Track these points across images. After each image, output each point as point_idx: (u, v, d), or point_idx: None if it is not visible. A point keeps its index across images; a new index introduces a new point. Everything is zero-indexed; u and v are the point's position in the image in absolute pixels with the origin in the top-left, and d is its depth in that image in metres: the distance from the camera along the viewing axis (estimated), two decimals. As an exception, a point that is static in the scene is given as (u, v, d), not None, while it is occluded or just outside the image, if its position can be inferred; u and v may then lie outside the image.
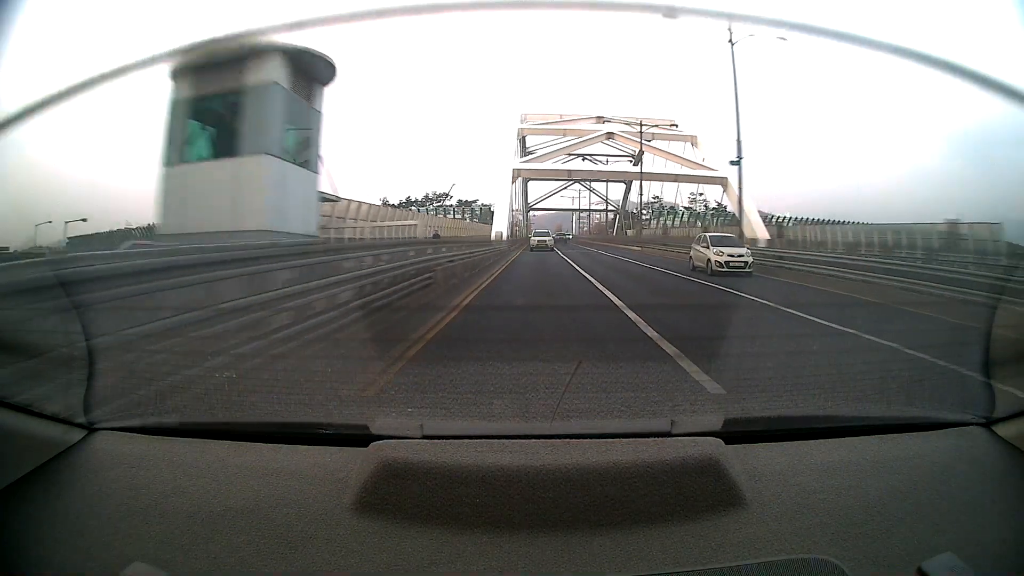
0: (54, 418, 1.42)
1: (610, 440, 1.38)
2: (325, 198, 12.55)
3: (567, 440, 1.39)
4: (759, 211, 23.93)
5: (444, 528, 1.16)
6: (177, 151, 9.91)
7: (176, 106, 9.81)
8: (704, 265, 16.28)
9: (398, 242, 11.29)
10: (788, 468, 1.37)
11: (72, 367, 1.67)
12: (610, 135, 25.89)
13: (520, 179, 25.60)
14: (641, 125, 24.64)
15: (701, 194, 25.70)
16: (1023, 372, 1.90)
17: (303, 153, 11.11)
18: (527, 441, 1.38)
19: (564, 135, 25.22)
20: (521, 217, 27.20)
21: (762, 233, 23.81)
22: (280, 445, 1.46)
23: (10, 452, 1.29)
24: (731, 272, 15.49)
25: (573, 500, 1.20)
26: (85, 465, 1.37)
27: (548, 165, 25.52)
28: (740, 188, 22.92)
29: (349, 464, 1.32)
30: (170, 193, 10.00)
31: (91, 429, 1.48)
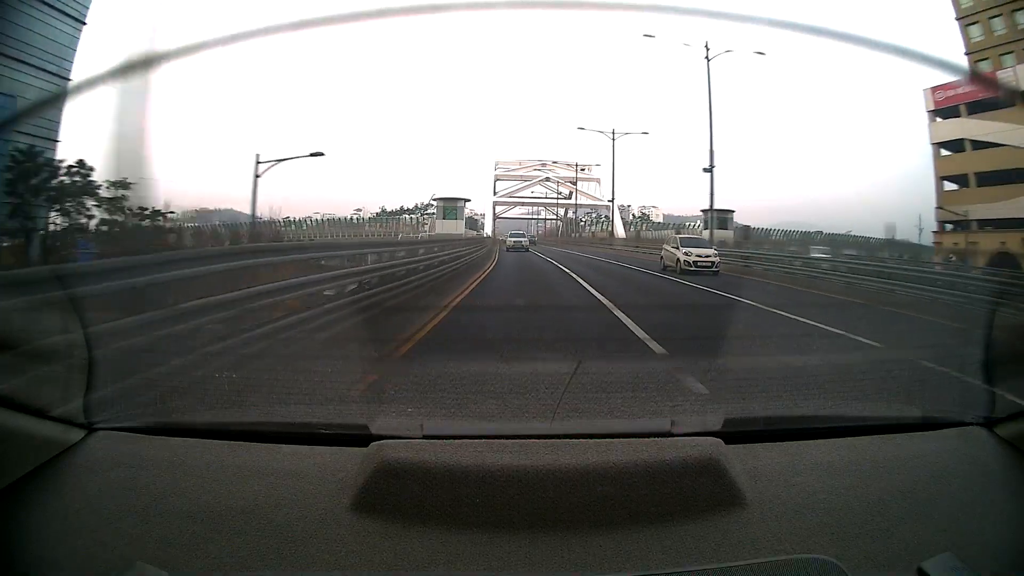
0: (54, 418, 1.41)
1: (610, 440, 1.38)
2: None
3: (567, 440, 1.39)
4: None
5: (444, 528, 1.16)
6: (441, 216, 31.18)
7: (438, 208, 31.96)
8: (674, 264, 17.63)
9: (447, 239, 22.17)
10: (788, 468, 1.37)
11: (72, 367, 1.67)
12: (547, 179, 43.79)
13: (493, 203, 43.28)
14: (559, 184, 43.29)
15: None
16: (1022, 372, 1.90)
17: (463, 214, 31.55)
18: (527, 441, 1.38)
19: (520, 179, 43.89)
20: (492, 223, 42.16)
21: (620, 234, 39.13)
22: (280, 445, 1.46)
23: (10, 452, 1.29)
24: (698, 271, 16.65)
25: (573, 500, 1.20)
26: (85, 465, 1.37)
27: (509, 199, 44.72)
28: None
29: (349, 464, 1.32)
30: (437, 226, 30.72)
31: (91, 429, 1.48)
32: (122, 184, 16.43)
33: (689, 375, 3.88)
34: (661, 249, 19.61)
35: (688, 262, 17.11)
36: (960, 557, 1.09)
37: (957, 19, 26.99)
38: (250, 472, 1.34)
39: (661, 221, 41.39)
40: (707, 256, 17.38)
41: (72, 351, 1.72)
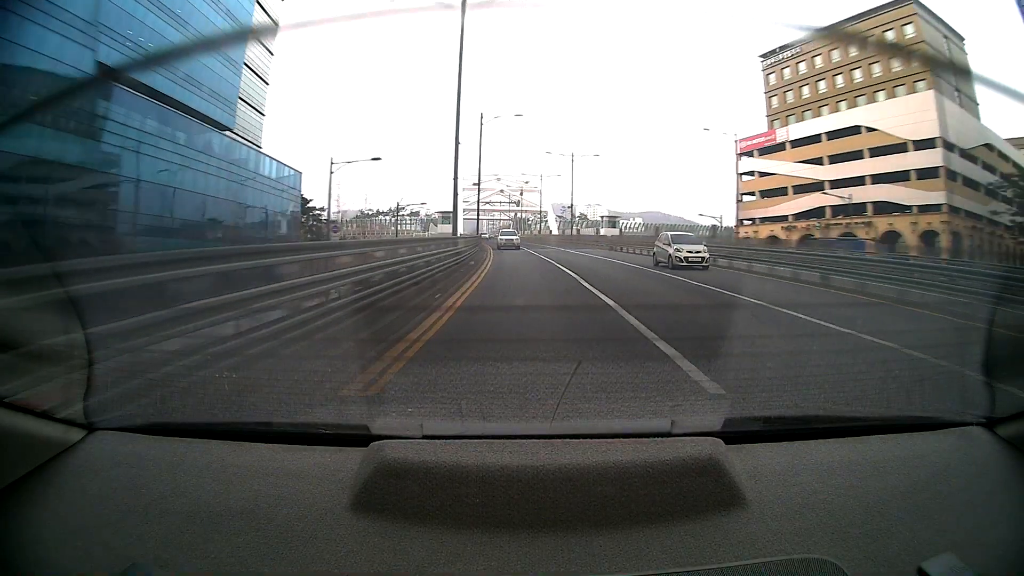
0: (54, 418, 1.42)
1: (610, 440, 1.38)
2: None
3: (567, 440, 1.39)
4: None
5: (444, 528, 1.16)
6: (440, 221, 38.68)
7: (439, 216, 42.87)
8: (666, 260, 18.52)
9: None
10: (788, 468, 1.37)
11: (72, 366, 1.67)
12: (502, 191, 59.16)
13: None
14: (510, 196, 59.97)
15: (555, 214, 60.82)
16: (1023, 372, 1.90)
17: (452, 220, 31.90)
18: (527, 441, 1.38)
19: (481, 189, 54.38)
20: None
21: (554, 232, 54.73)
22: (280, 445, 1.46)
23: (10, 452, 1.29)
24: (690, 266, 17.47)
25: (573, 500, 1.20)
26: (85, 465, 1.37)
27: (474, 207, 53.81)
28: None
29: (349, 464, 1.32)
30: (438, 228, 36.19)
31: (91, 429, 1.48)
32: (315, 208, 35.32)
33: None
34: (654, 246, 21.18)
35: (680, 257, 17.80)
36: (960, 557, 1.09)
37: (764, 93, 46.77)
38: (250, 472, 1.34)
39: (605, 216, 59.28)
40: (698, 252, 18.04)
41: (72, 351, 1.72)
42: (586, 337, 6.27)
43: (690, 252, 17.89)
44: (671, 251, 18.24)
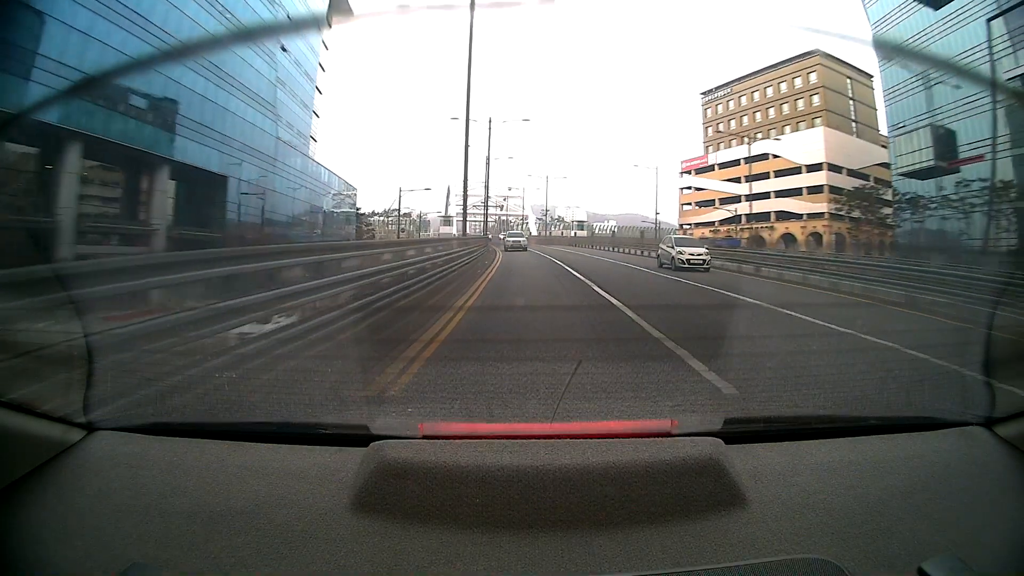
0: (54, 418, 1.41)
1: (610, 440, 1.38)
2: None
3: (567, 440, 1.39)
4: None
5: (443, 528, 1.16)
6: (441, 224, 52.62)
7: (442, 220, 60.69)
8: (670, 262, 19.16)
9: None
10: (788, 468, 1.37)
11: (72, 366, 1.67)
12: (488, 197, 60.77)
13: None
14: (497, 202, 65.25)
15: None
16: (1023, 372, 1.90)
17: (454, 223, 44.59)
18: (527, 441, 1.38)
19: (470, 195, 61.58)
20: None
21: (533, 232, 62.38)
22: (280, 445, 1.46)
23: (10, 452, 1.29)
24: (692, 268, 18.03)
25: (573, 500, 1.20)
26: (85, 465, 1.37)
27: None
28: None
29: (349, 464, 1.32)
30: (441, 230, 45.74)
31: (91, 429, 1.48)
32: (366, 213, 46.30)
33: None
34: (658, 248, 22.11)
35: (682, 260, 18.28)
36: (960, 557, 1.09)
37: (703, 123, 59.65)
38: (250, 472, 1.34)
39: (575, 221, 68.26)
40: (700, 254, 18.56)
41: (73, 351, 1.72)
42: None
43: (692, 255, 18.38)
44: (674, 253, 18.75)
